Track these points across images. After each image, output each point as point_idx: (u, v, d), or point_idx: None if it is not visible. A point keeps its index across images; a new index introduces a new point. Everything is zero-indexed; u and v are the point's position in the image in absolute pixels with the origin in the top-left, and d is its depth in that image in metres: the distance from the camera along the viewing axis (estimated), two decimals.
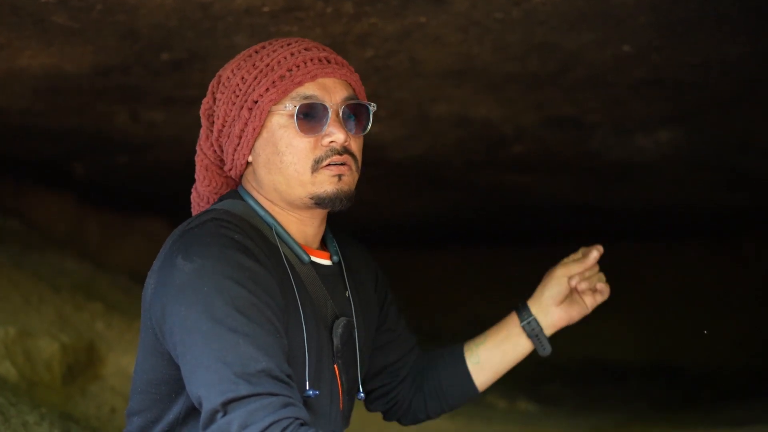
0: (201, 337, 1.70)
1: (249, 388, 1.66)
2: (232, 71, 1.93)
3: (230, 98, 1.91)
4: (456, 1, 2.73)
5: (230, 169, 1.98)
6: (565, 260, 2.26)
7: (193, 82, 3.42)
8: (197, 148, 2.03)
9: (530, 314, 2.24)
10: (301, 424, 1.67)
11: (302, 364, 1.84)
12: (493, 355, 2.25)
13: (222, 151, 1.97)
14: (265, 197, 1.95)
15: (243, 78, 1.91)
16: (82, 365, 3.78)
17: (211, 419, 1.67)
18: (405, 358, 2.24)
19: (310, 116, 1.88)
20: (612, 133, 4.38)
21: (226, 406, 1.66)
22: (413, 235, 7.39)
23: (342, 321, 1.96)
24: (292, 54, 1.90)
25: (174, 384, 1.84)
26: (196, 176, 2.05)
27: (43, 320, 3.84)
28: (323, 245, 2.04)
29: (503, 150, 4.68)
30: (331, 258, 2.02)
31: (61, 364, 3.62)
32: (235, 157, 1.94)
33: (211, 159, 2.01)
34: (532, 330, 2.24)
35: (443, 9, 2.79)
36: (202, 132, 2.00)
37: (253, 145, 1.92)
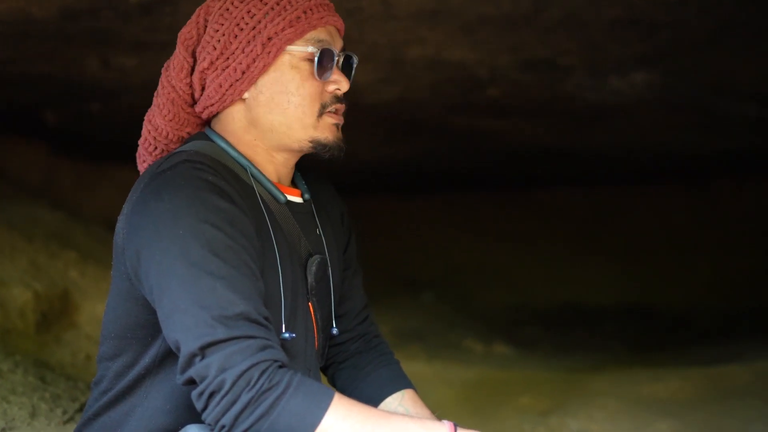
0: (177, 281, 1.68)
1: (227, 331, 1.65)
2: (232, 2, 1.89)
3: (232, 30, 1.87)
4: None
5: (208, 107, 1.92)
6: None
7: (163, 26, 3.37)
8: (163, 80, 1.95)
9: None
10: (280, 366, 1.67)
11: (278, 305, 1.83)
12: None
13: (201, 86, 1.91)
14: (240, 138, 1.92)
15: (250, 12, 1.87)
16: (56, 313, 3.77)
17: (189, 363, 1.66)
18: (352, 318, 2.16)
19: (322, 62, 1.89)
20: (587, 75, 4.36)
21: (204, 349, 1.64)
22: (388, 180, 7.37)
23: (316, 258, 1.96)
24: (278, 5, 1.88)
25: (150, 328, 1.82)
26: (155, 110, 1.97)
27: (16, 269, 3.81)
28: (293, 183, 2.03)
29: (478, 93, 4.66)
30: (302, 195, 2.01)
31: (35, 312, 3.61)
32: (227, 92, 1.89)
33: (180, 93, 1.94)
34: None
35: None
36: (177, 63, 1.92)
37: (255, 82, 1.89)
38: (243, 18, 1.87)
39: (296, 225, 1.95)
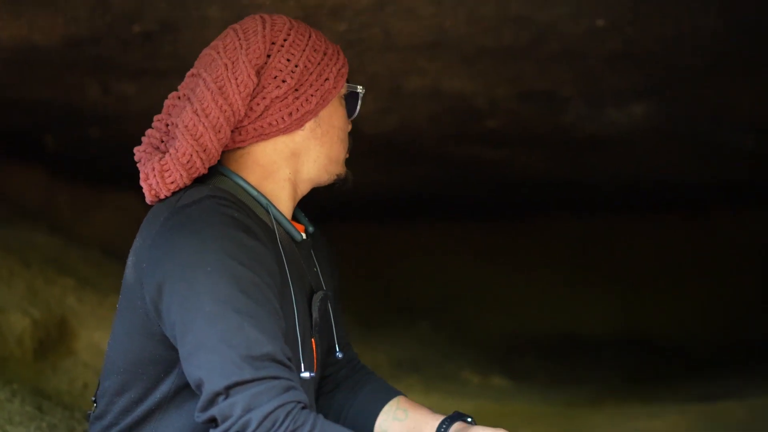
0: (204, 318, 1.66)
1: (253, 372, 1.63)
2: (297, 33, 1.92)
3: (305, 61, 1.90)
4: None
5: (259, 134, 1.89)
6: None
7: (164, 53, 3.39)
8: (215, 95, 1.83)
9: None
10: (303, 408, 1.66)
11: (295, 345, 1.83)
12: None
13: (260, 112, 1.87)
14: (270, 172, 1.91)
15: (313, 47, 1.92)
16: (53, 340, 3.75)
17: (212, 402, 1.64)
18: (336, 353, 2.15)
19: (357, 100, 2.02)
20: (585, 106, 4.39)
21: (229, 389, 1.63)
22: (384, 207, 7.38)
23: (320, 294, 1.97)
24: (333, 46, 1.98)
25: (164, 364, 1.80)
26: (204, 128, 1.82)
27: (14, 294, 3.80)
28: (294, 217, 2.05)
29: (477, 124, 4.68)
30: (306, 231, 2.03)
31: (33, 339, 3.59)
32: (294, 122, 1.89)
33: (236, 113, 1.85)
34: None
35: None
36: (240, 81, 1.84)
37: (318, 114, 1.93)
38: (313, 51, 1.91)
39: (302, 261, 1.96)
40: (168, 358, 1.78)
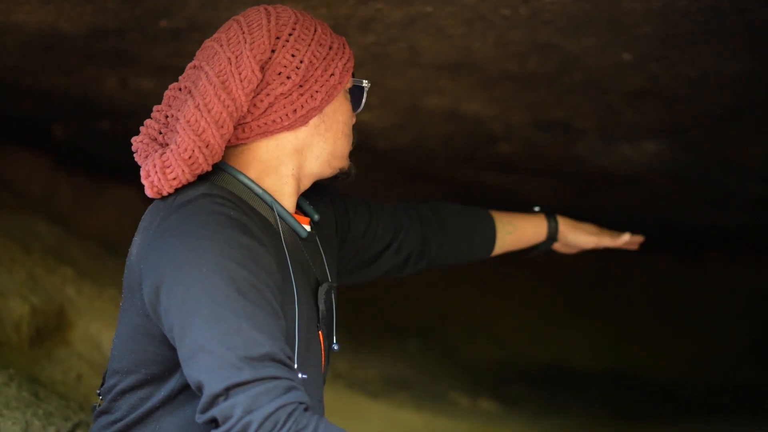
0: (201, 320, 1.65)
1: (252, 373, 1.62)
2: (303, 27, 1.91)
3: (311, 57, 1.89)
4: None
5: (264, 131, 1.87)
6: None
7: (188, 52, 3.35)
8: (217, 90, 1.81)
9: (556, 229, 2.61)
10: (305, 409, 1.65)
11: (292, 344, 1.82)
12: (516, 239, 2.57)
13: (264, 108, 1.86)
14: (272, 168, 1.90)
15: (319, 41, 1.91)
16: (50, 329, 3.73)
17: (212, 403, 1.64)
18: (398, 222, 2.40)
19: (362, 95, 2.03)
20: (599, 140, 4.39)
21: (228, 390, 1.62)
22: None
23: (325, 287, 1.97)
24: (338, 39, 1.98)
25: (167, 363, 1.80)
26: (207, 123, 1.79)
27: (14, 281, 3.78)
28: (298, 207, 2.05)
29: (490, 147, 4.68)
30: (311, 222, 2.03)
31: (30, 327, 3.57)
32: (299, 118, 1.88)
33: (239, 109, 1.82)
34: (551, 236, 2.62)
35: (451, 0, 2.78)
36: (244, 76, 1.82)
37: (322, 110, 1.93)
38: (319, 45, 1.90)
39: (306, 255, 1.95)
40: (170, 357, 1.78)
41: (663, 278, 7.61)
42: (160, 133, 1.86)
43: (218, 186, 1.85)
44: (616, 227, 6.88)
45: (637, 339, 7.24)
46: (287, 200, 1.93)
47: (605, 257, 7.64)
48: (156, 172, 1.81)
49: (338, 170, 1.98)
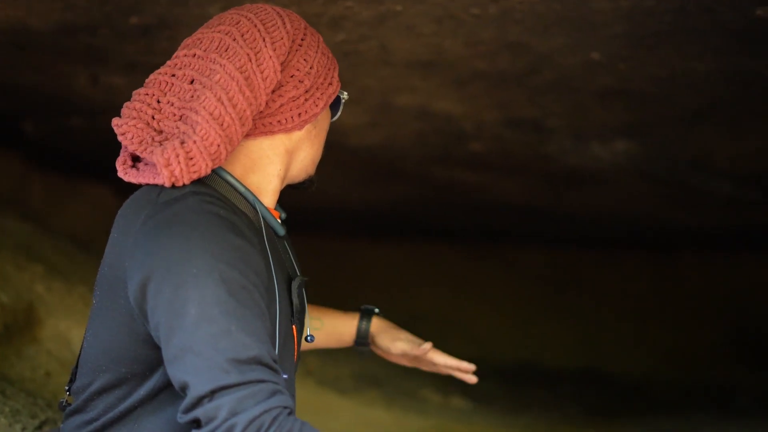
0: (190, 321, 1.63)
1: (240, 376, 1.61)
2: (306, 32, 1.92)
3: (317, 64, 1.91)
4: None
5: (268, 132, 1.87)
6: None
7: (159, 49, 3.37)
8: (242, 86, 1.78)
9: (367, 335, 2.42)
10: (289, 413, 1.65)
11: (273, 341, 1.81)
12: (325, 335, 2.39)
13: (274, 108, 1.86)
14: (259, 168, 1.89)
15: (319, 47, 1.94)
16: (19, 326, 3.71)
17: (197, 404, 1.62)
18: None
19: (340, 104, 2.04)
20: (570, 138, 4.41)
21: (214, 392, 1.61)
22: (358, 222, 7.37)
23: (297, 281, 1.96)
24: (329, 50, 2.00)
25: (148, 362, 1.77)
26: (231, 118, 1.77)
27: None
28: None
29: (461, 146, 4.69)
30: (280, 217, 2.04)
31: None
32: (301, 121, 1.89)
33: (259, 107, 1.82)
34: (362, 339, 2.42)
35: None
36: (267, 75, 1.82)
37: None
38: (323, 54, 1.93)
39: (281, 252, 1.96)
40: (152, 356, 1.76)
41: (635, 277, 7.65)
42: (153, 118, 1.80)
43: (203, 183, 1.82)
44: (588, 226, 6.94)
45: (609, 337, 7.28)
46: (268, 199, 1.92)
47: (578, 256, 7.71)
48: (179, 162, 1.74)
49: (307, 177, 2.00)
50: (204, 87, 1.78)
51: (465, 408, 5.26)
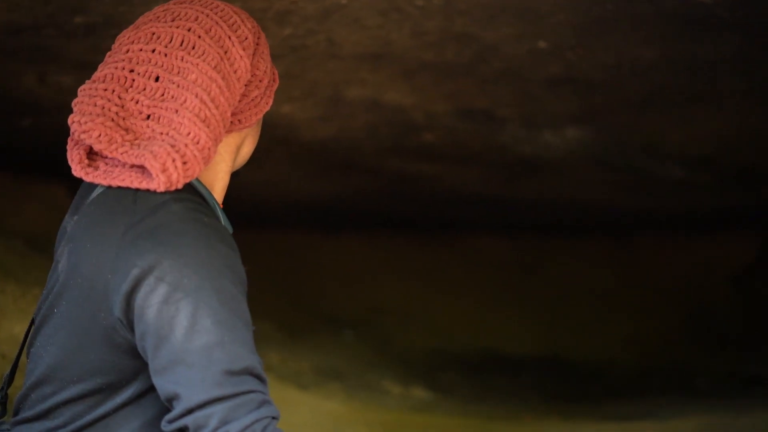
0: (181, 332, 1.59)
1: (232, 388, 1.59)
2: (263, 37, 1.89)
3: (266, 61, 1.88)
4: None
5: (228, 130, 1.83)
6: None
7: (105, 47, 3.32)
8: (222, 87, 1.75)
9: None
10: (276, 424, 1.64)
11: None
12: None
13: (240, 107, 1.83)
14: (212, 166, 1.84)
15: (268, 50, 1.90)
16: None
17: (187, 413, 1.60)
18: None
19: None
20: (522, 127, 4.43)
21: (207, 403, 1.59)
22: (314, 216, 7.37)
23: None
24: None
25: (127, 372, 1.72)
26: (218, 120, 1.72)
27: None
28: None
29: (413, 137, 4.70)
30: None
31: None
32: (254, 119, 1.86)
33: (231, 107, 1.79)
34: None
35: None
36: (240, 74, 1.79)
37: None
38: (268, 53, 1.90)
39: None
40: (132, 366, 1.71)
41: (592, 263, 7.71)
42: (117, 114, 1.71)
43: (179, 189, 1.73)
44: (545, 213, 6.98)
45: (568, 323, 7.33)
46: (218, 196, 1.87)
47: (536, 244, 7.76)
48: (176, 168, 1.66)
49: (243, 165, 1.99)
50: (179, 87, 1.72)
51: (426, 398, 5.29)
